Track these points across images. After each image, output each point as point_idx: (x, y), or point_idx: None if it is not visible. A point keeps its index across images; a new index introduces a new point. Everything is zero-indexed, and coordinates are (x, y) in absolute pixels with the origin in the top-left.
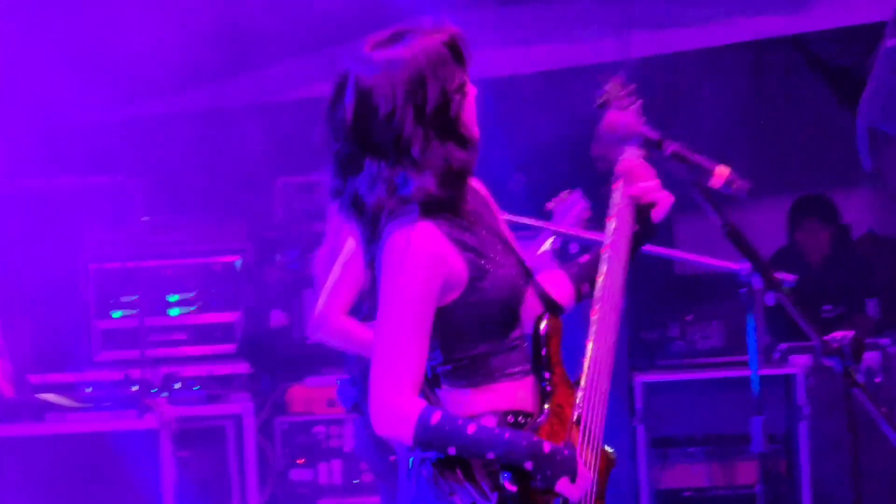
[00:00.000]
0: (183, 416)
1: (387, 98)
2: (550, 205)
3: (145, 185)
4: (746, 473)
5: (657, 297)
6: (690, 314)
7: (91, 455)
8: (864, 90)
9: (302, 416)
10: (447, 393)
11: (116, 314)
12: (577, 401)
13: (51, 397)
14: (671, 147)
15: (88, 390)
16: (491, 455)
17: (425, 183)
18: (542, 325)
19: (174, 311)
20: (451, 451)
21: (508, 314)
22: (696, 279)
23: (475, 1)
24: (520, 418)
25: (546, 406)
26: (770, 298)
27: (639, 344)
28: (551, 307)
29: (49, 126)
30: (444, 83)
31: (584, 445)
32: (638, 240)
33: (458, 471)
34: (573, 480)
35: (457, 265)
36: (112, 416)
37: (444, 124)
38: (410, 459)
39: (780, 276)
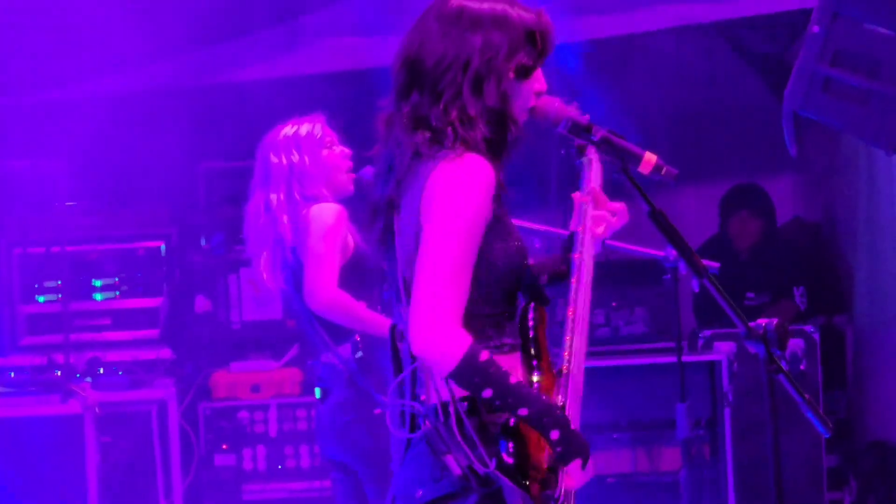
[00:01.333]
0: (106, 401)
1: (452, 45)
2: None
3: (68, 169)
4: (671, 459)
5: None
6: (615, 300)
7: (15, 439)
8: (788, 76)
9: (226, 401)
10: None
11: (40, 299)
12: (560, 390)
13: None
14: (600, 132)
15: (12, 375)
16: (524, 411)
17: (477, 125)
18: (530, 312)
19: (98, 296)
20: (487, 393)
21: (512, 283)
22: (620, 265)
23: None
24: None
25: (535, 380)
26: (696, 285)
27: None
28: (539, 297)
29: None
30: (505, 58)
31: None
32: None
33: (456, 431)
34: (583, 466)
35: (490, 210)
36: (36, 400)
37: (486, 93)
38: (403, 412)
39: (705, 263)
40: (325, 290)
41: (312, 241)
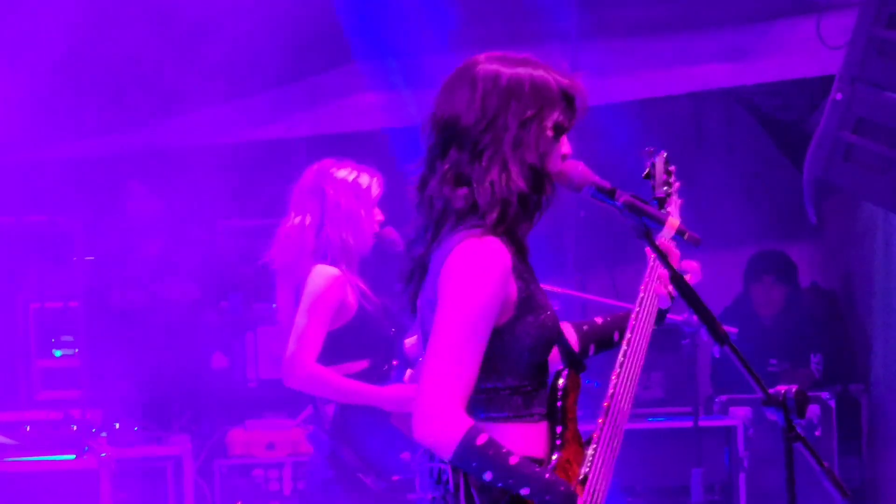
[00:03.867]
0: (122, 456)
1: (493, 105)
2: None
3: (85, 225)
4: None
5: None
6: None
7: (30, 495)
8: (807, 144)
9: (241, 458)
10: None
11: (57, 353)
12: (587, 459)
13: None
14: (623, 197)
15: (28, 429)
16: (525, 491)
17: (507, 192)
18: (562, 379)
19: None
20: (487, 476)
21: (543, 354)
22: None
23: (423, 48)
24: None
25: (555, 457)
26: (717, 351)
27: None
28: (573, 362)
29: None
30: (528, 113)
31: None
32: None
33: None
34: None
35: (512, 290)
36: (51, 455)
37: (513, 148)
38: (431, 471)
39: (724, 328)
40: (302, 366)
41: (302, 306)
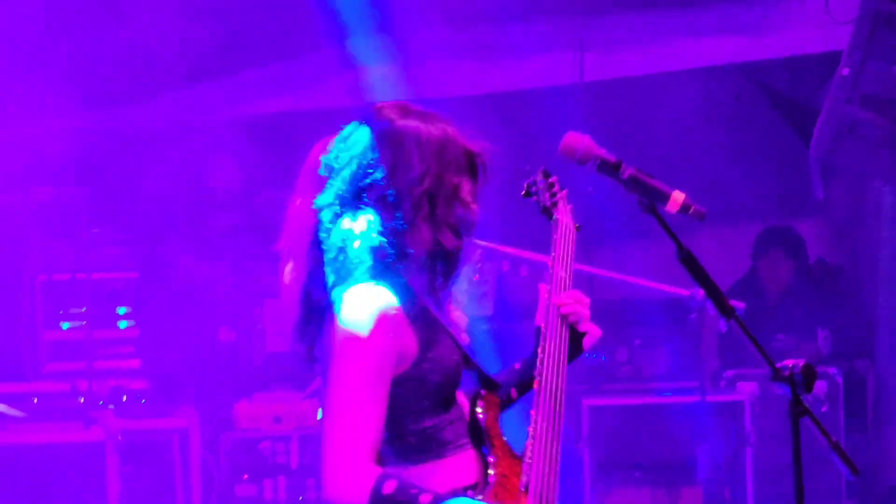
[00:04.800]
0: (129, 428)
1: (407, 160)
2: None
3: (91, 198)
4: (691, 499)
5: (605, 320)
6: (638, 339)
7: (36, 466)
8: (814, 120)
9: (248, 431)
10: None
11: (64, 325)
12: (525, 469)
13: None
14: (628, 171)
15: (35, 401)
16: None
17: (411, 244)
18: (479, 401)
19: (122, 324)
20: None
21: (453, 387)
22: (645, 304)
23: (426, 21)
24: (468, 492)
25: (490, 475)
26: (723, 325)
27: (586, 367)
28: (487, 384)
29: None
30: (456, 179)
31: None
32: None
33: None
34: None
35: (410, 337)
36: (58, 427)
37: (444, 210)
38: None
39: (732, 303)
40: None
41: None
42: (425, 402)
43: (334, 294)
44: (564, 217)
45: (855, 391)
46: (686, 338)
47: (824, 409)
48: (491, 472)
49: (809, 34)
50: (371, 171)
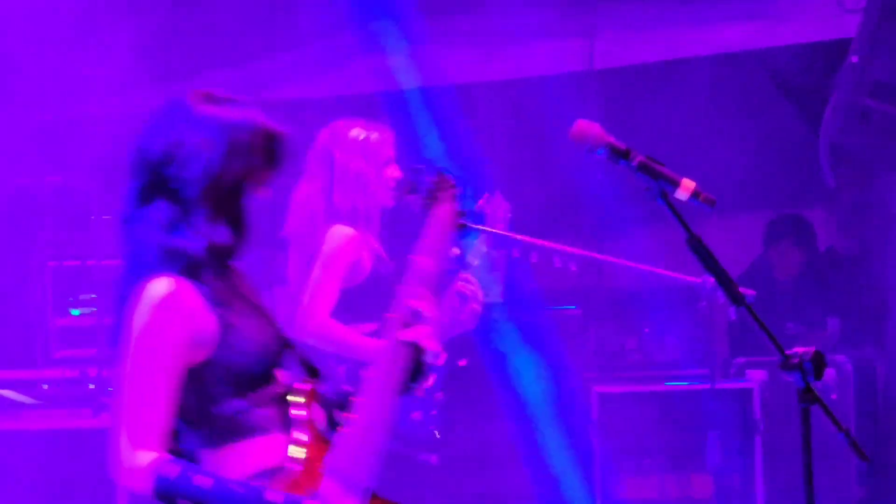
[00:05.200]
0: None
1: (197, 151)
2: (479, 206)
3: (102, 185)
4: (701, 486)
5: (615, 308)
6: (647, 326)
7: (46, 452)
8: (824, 108)
9: None
10: (205, 456)
11: (74, 312)
12: (332, 452)
13: (7, 394)
14: (638, 158)
15: (45, 387)
16: None
17: (198, 238)
18: (296, 386)
19: None
20: None
21: (259, 372)
22: (654, 291)
23: (436, 8)
24: (267, 476)
25: (293, 459)
26: (733, 312)
27: (596, 355)
28: (310, 371)
29: (4, 125)
30: (246, 165)
31: (343, 496)
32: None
33: None
34: None
35: (208, 323)
36: (68, 413)
37: (226, 200)
38: None
39: (742, 291)
40: (314, 320)
41: (317, 264)
42: (229, 387)
43: (130, 284)
44: (441, 211)
45: (864, 379)
46: (696, 325)
47: (834, 396)
48: (296, 455)
49: (819, 22)
50: (165, 158)
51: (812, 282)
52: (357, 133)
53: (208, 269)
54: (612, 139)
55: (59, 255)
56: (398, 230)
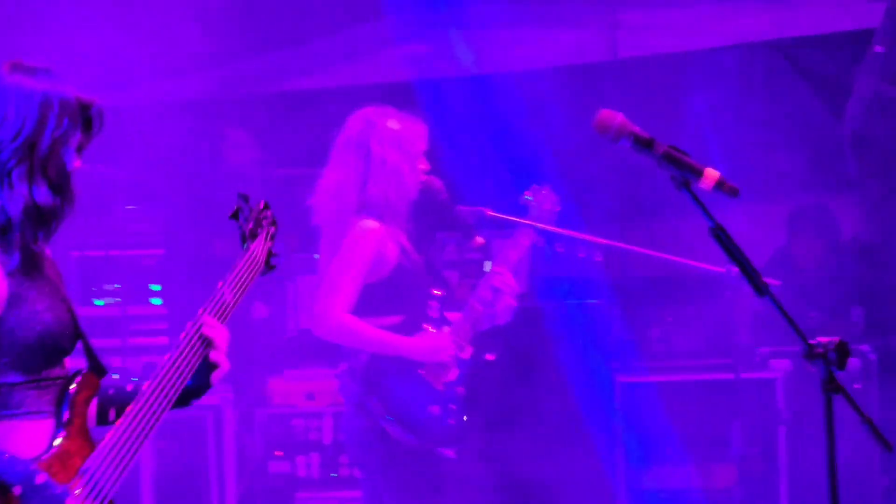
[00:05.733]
0: None
1: (8, 117)
2: (525, 197)
3: (126, 175)
4: (724, 476)
5: (638, 297)
6: (671, 316)
7: None
8: (848, 97)
9: (281, 408)
10: None
11: (98, 302)
12: (92, 455)
13: None
14: (662, 148)
15: None
16: None
17: (14, 198)
18: (77, 377)
19: (156, 301)
20: None
21: (38, 352)
22: (676, 281)
23: (461, 0)
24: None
25: (53, 447)
26: (757, 302)
27: (619, 344)
28: (96, 366)
29: None
30: (59, 132)
31: (86, 498)
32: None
33: None
34: None
35: None
36: None
37: (44, 164)
38: None
39: (766, 280)
40: (330, 316)
41: (338, 257)
42: (7, 357)
43: None
44: (257, 248)
45: (888, 368)
46: (719, 315)
47: (857, 386)
48: (55, 443)
49: (843, 11)
50: None
51: (835, 271)
52: (393, 124)
53: (20, 236)
54: (636, 129)
55: (83, 244)
56: (423, 219)
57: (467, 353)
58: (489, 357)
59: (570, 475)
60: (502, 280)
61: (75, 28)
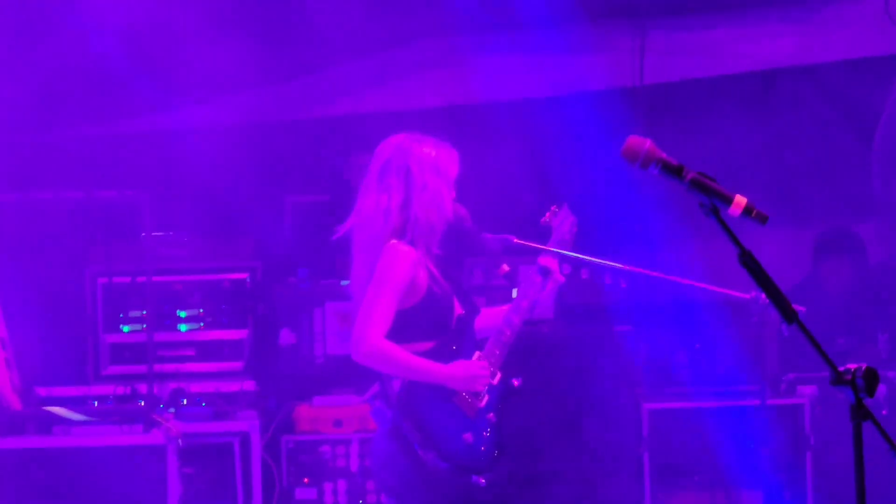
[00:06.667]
0: (189, 432)
1: None
2: (545, 219)
3: (153, 201)
4: (751, 502)
5: (666, 323)
6: (698, 342)
7: (97, 469)
8: (876, 121)
9: (308, 435)
10: None
11: (125, 328)
12: None
13: (58, 410)
14: (690, 174)
15: (95, 404)
16: None
17: None
18: None
19: (183, 327)
20: None
21: None
22: (704, 307)
23: (488, 26)
24: None
25: None
26: (785, 329)
27: (646, 371)
28: None
29: (57, 139)
30: None
31: None
32: None
33: None
34: None
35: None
36: (118, 430)
37: None
38: None
39: (794, 307)
40: (370, 341)
41: (373, 282)
42: None
43: None
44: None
45: None
46: (746, 341)
47: (884, 412)
48: None
49: (869, 36)
50: None
51: (862, 296)
52: (430, 150)
53: None
54: (664, 155)
55: (110, 271)
56: (450, 246)
57: (496, 378)
58: (515, 382)
59: (599, 500)
60: (551, 261)
61: (102, 53)
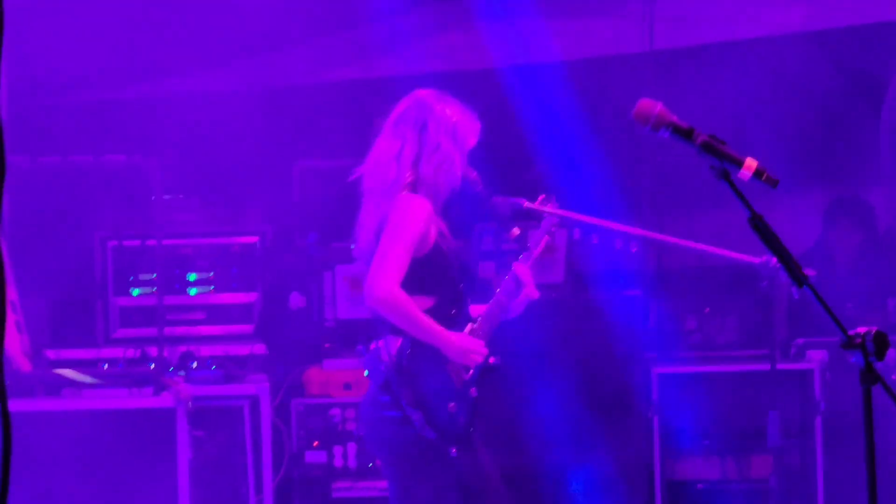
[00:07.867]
0: (199, 395)
1: None
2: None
3: (163, 165)
4: (761, 467)
5: (675, 289)
6: (708, 306)
7: (106, 432)
8: (885, 88)
9: (318, 398)
10: None
11: (135, 292)
12: None
13: (67, 373)
14: (701, 137)
15: (105, 366)
16: None
17: None
18: None
19: (192, 291)
20: None
21: None
22: (714, 271)
23: None
24: None
25: None
26: (795, 292)
27: (656, 336)
28: None
29: (67, 104)
30: None
31: None
32: None
33: None
34: None
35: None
36: (128, 393)
37: None
38: None
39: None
40: (385, 286)
41: (388, 230)
42: None
43: None
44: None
45: None
46: (756, 306)
47: (894, 376)
48: None
49: (880, 2)
50: None
51: (872, 262)
52: (452, 114)
53: None
54: (675, 118)
55: (120, 234)
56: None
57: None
58: (492, 360)
59: (607, 466)
60: (525, 272)
61: (111, 18)
